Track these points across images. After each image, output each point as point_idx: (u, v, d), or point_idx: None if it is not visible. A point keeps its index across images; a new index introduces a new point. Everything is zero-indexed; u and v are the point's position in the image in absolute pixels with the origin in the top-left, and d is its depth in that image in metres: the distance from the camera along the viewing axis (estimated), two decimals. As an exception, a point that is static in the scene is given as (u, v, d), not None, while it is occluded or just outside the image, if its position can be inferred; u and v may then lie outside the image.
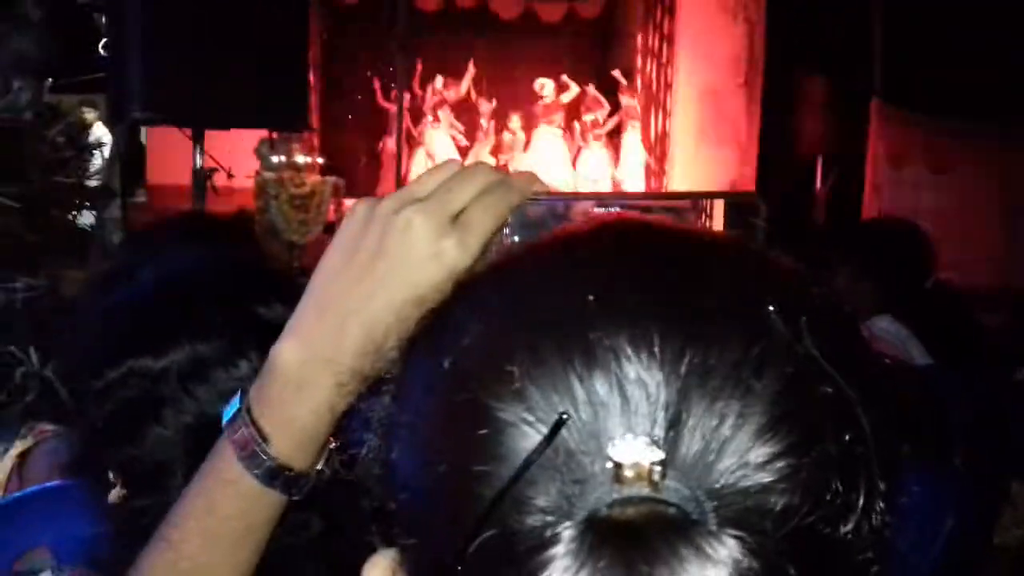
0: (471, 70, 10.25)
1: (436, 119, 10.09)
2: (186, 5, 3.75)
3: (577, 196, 1.14)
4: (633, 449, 0.37)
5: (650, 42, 10.45)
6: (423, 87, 10.21)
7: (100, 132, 6.69)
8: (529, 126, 10.30)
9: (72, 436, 0.98)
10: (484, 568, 0.39)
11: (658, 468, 0.37)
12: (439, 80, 10.17)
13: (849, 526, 0.39)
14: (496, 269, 0.50)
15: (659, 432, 0.38)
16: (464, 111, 10.36)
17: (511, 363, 0.40)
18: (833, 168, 8.76)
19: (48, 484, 1.36)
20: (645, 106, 10.35)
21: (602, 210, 0.62)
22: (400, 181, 8.47)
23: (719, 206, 0.61)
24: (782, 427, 0.38)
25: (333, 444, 0.67)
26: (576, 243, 0.46)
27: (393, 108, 9.49)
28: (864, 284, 2.66)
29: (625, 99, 10.20)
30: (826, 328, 0.42)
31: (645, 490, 0.37)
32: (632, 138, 10.19)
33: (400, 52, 8.72)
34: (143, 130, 8.20)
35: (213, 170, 5.08)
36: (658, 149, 10.26)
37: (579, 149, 10.21)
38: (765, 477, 0.38)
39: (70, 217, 3.84)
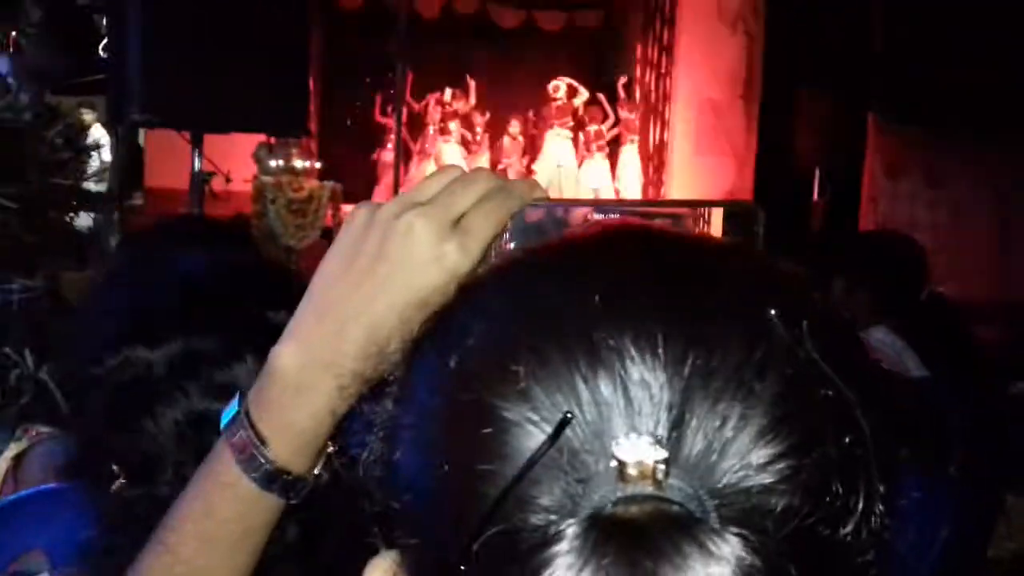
0: (472, 84, 10.29)
1: (447, 132, 10.13)
2: (186, 7, 3.75)
3: (577, 202, 1.15)
4: (637, 448, 0.38)
5: (649, 53, 10.49)
6: (423, 97, 10.23)
7: (99, 134, 6.68)
8: (540, 129, 10.36)
9: (68, 438, 0.98)
10: (488, 566, 0.39)
11: (662, 467, 0.37)
12: (448, 92, 10.21)
13: (849, 528, 0.39)
14: (501, 271, 0.50)
15: (662, 432, 0.39)
16: (466, 121, 10.41)
17: (516, 363, 0.41)
18: (828, 185, 8.80)
19: (43, 487, 1.35)
20: (644, 116, 10.39)
21: (602, 216, 0.63)
22: (398, 186, 8.47)
23: (717, 214, 0.62)
24: (783, 429, 0.39)
25: (332, 448, 0.67)
26: (581, 246, 0.47)
27: (391, 122, 9.50)
28: (859, 295, 2.66)
29: (624, 113, 10.25)
30: (826, 332, 0.42)
31: (649, 488, 0.37)
32: (629, 151, 10.24)
33: (399, 59, 8.72)
34: (142, 133, 8.20)
35: (211, 174, 5.08)
36: (656, 160, 10.29)
37: (583, 159, 10.26)
38: (766, 478, 0.38)
39: (67, 219, 3.83)
